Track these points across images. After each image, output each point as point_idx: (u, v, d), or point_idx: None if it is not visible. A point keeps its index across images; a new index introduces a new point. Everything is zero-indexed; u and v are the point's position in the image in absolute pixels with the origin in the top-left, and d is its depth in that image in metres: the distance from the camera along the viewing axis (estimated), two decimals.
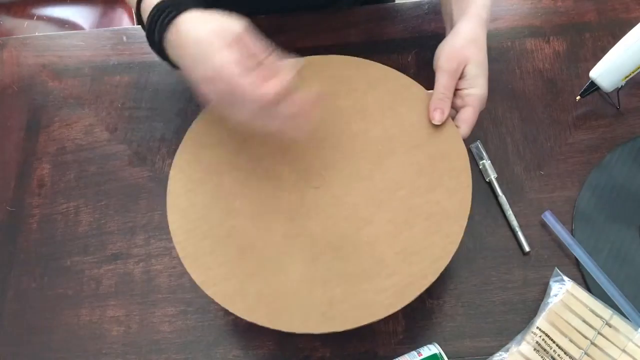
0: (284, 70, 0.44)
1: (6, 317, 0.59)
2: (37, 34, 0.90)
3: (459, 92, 0.55)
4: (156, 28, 0.46)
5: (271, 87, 0.44)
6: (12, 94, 0.71)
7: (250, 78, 0.43)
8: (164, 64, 0.52)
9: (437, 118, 0.53)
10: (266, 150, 0.55)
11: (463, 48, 0.53)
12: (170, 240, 0.61)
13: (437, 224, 0.50)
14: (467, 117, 0.54)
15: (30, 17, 1.77)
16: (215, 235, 0.52)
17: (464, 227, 0.50)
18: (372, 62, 0.58)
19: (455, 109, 0.55)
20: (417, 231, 0.50)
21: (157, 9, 0.46)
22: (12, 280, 0.60)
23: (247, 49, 0.44)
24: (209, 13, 0.46)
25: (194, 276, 0.50)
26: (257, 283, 0.49)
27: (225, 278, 0.50)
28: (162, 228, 0.62)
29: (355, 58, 0.59)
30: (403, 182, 0.53)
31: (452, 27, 0.56)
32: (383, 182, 0.53)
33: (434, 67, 0.56)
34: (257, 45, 0.45)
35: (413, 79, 0.57)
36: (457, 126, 0.54)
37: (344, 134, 0.55)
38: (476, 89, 0.54)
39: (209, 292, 0.49)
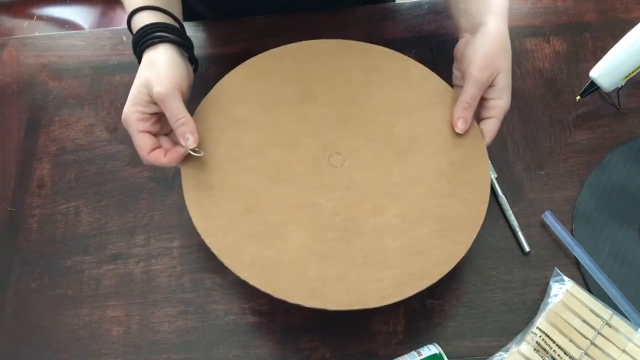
0: (174, 154, 0.51)
1: (6, 317, 0.59)
2: (37, 34, 0.90)
3: (485, 101, 0.54)
4: (137, 49, 0.53)
5: (151, 159, 0.51)
6: (12, 93, 0.71)
7: (142, 141, 0.50)
8: None
9: (461, 127, 0.54)
10: (292, 117, 0.55)
11: (497, 55, 0.53)
12: (170, 240, 0.61)
13: (447, 230, 0.50)
14: (492, 129, 0.54)
15: (30, 17, 1.77)
16: (225, 188, 0.52)
17: (473, 240, 0.50)
18: (415, 61, 0.59)
19: (477, 119, 0.55)
20: (425, 232, 0.50)
21: (144, 31, 0.52)
22: (12, 280, 0.60)
23: (167, 110, 0.50)
24: (167, 54, 0.51)
25: (195, 222, 0.50)
26: (256, 244, 0.50)
27: (226, 232, 0.50)
28: (162, 228, 0.62)
29: (400, 54, 0.59)
30: (421, 182, 0.53)
31: (473, 23, 0.55)
32: (401, 177, 0.53)
33: (462, 64, 0.55)
34: (173, 110, 0.50)
35: None
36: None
37: (371, 123, 0.55)
38: (503, 100, 0.54)
39: (207, 241, 0.49)
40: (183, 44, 0.54)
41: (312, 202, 0.52)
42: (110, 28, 0.75)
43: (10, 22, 1.78)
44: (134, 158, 0.66)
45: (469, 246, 0.50)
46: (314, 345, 0.56)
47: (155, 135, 0.52)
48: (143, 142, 0.50)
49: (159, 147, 0.52)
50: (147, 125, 0.51)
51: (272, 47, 0.60)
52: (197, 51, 0.71)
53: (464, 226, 0.50)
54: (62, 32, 1.05)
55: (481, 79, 0.52)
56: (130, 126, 0.51)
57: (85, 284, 0.60)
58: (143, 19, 0.52)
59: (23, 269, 0.61)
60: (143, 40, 0.52)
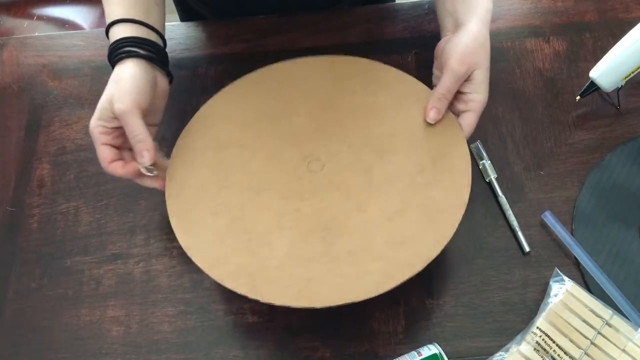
0: (130, 168, 0.54)
1: (6, 317, 0.59)
2: (37, 34, 0.89)
3: (462, 95, 0.55)
4: (112, 60, 0.54)
5: (110, 169, 0.53)
6: (12, 93, 0.71)
7: (103, 153, 0.53)
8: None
9: (433, 117, 0.54)
10: (274, 131, 0.57)
11: (476, 51, 0.53)
12: (170, 240, 0.61)
13: (431, 217, 0.51)
14: (470, 123, 0.55)
15: (30, 17, 1.77)
16: (209, 203, 0.53)
17: (458, 222, 0.50)
18: (391, 67, 0.60)
19: (454, 112, 0.56)
20: (409, 221, 0.51)
21: (115, 45, 0.53)
22: (12, 280, 0.60)
23: (125, 126, 0.51)
24: (132, 70, 0.52)
25: (180, 239, 0.51)
26: (242, 253, 0.51)
27: (212, 245, 0.51)
28: (162, 228, 0.62)
29: (375, 62, 0.60)
30: (402, 177, 0.53)
31: (456, 24, 0.55)
32: (382, 175, 0.53)
33: (441, 61, 0.55)
34: (131, 127, 0.51)
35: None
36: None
37: (351, 128, 0.57)
38: (480, 94, 0.54)
39: (193, 256, 0.50)
40: (153, 58, 0.54)
41: (294, 208, 0.52)
42: None
43: (10, 22, 1.78)
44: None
45: (454, 230, 0.50)
46: (314, 345, 0.56)
47: (118, 147, 0.54)
48: (104, 154, 0.53)
49: (120, 159, 0.54)
50: (108, 139, 0.53)
51: (272, 47, 0.60)
52: (197, 51, 0.71)
53: (448, 212, 0.51)
54: (62, 32, 1.05)
55: (459, 72, 0.53)
56: (94, 138, 0.53)
57: (85, 284, 0.60)
58: (117, 33, 0.54)
59: (23, 269, 0.61)
60: (113, 55, 0.53)
